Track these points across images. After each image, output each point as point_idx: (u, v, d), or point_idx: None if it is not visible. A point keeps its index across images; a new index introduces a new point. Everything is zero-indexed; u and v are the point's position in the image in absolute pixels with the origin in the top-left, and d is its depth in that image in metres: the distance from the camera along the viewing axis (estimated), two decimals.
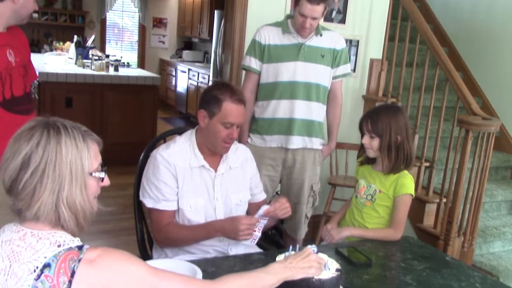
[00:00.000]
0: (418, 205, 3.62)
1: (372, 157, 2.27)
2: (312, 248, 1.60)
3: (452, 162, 3.37)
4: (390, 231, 2.19)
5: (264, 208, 1.96)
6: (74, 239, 1.21)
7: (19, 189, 1.17)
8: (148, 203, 2.04)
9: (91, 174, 1.25)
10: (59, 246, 1.17)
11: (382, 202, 2.24)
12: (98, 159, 1.28)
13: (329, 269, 1.59)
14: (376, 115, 2.20)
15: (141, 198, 2.08)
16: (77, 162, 1.21)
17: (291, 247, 1.69)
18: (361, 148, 2.34)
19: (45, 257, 1.14)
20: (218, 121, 1.99)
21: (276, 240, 3.61)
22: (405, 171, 2.23)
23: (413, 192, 2.22)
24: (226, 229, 1.93)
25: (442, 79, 3.92)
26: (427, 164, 3.73)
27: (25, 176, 1.17)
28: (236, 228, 1.88)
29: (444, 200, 3.47)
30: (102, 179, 1.30)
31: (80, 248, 1.18)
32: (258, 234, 1.98)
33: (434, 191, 3.71)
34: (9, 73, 2.21)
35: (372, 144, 2.21)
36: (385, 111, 2.23)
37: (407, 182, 2.20)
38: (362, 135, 2.26)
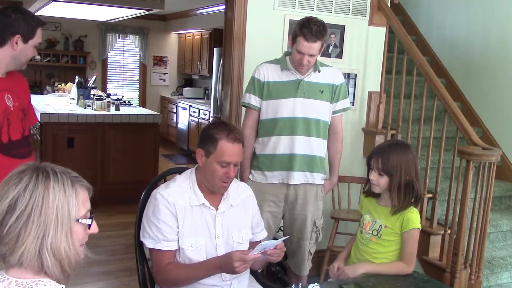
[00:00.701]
0: (422, 237, 3.57)
1: (378, 192, 2.26)
2: (314, 286, 1.58)
3: (455, 193, 3.35)
4: (403, 265, 2.18)
5: (264, 243, 1.92)
6: (59, 286, 1.19)
7: (4, 233, 1.16)
8: (148, 243, 2.02)
9: (77, 220, 1.23)
10: None
11: (388, 237, 2.22)
12: (86, 205, 1.26)
13: None
14: (387, 154, 2.18)
15: (141, 238, 2.06)
16: (63, 208, 1.19)
17: (293, 286, 1.67)
18: (367, 182, 2.33)
19: None
20: (214, 160, 1.99)
21: (280, 276, 3.56)
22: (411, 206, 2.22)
23: (420, 226, 2.21)
24: (224, 266, 1.91)
25: (441, 110, 3.93)
26: (430, 195, 3.71)
27: (11, 220, 1.15)
28: (231, 265, 1.86)
29: (449, 231, 3.43)
30: (89, 226, 1.27)
31: None
32: (261, 256, 1.94)
33: (438, 223, 3.67)
34: (7, 117, 2.23)
35: (380, 181, 2.19)
36: (396, 150, 2.20)
37: (413, 217, 2.19)
38: (369, 169, 2.24)
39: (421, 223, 3.56)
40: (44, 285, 1.17)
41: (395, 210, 2.19)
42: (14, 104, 2.28)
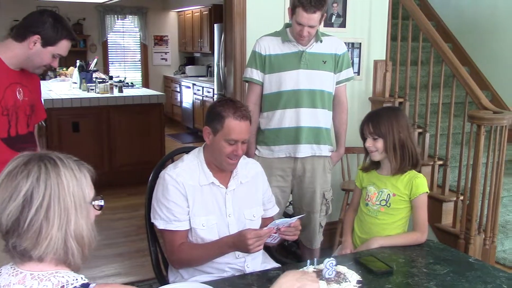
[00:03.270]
0: (434, 204, 3.56)
1: (378, 160, 2.23)
2: (330, 261, 1.56)
3: (466, 159, 3.31)
4: (417, 234, 2.16)
5: (278, 221, 1.89)
6: (78, 277, 1.16)
7: (24, 228, 1.11)
8: (160, 224, 2.00)
9: (91, 203, 1.22)
10: (62, 287, 1.12)
11: (397, 205, 2.20)
12: (93, 187, 1.25)
13: (349, 281, 1.54)
14: (376, 117, 2.20)
15: (152, 220, 2.04)
16: (79, 193, 1.17)
17: (308, 261, 1.64)
18: (367, 155, 2.32)
19: None
20: (221, 138, 1.95)
21: (293, 250, 3.57)
22: (413, 171, 2.21)
23: (428, 189, 2.20)
24: (237, 244, 1.88)
25: (448, 75, 3.88)
26: (441, 162, 3.67)
27: (30, 214, 1.11)
28: (245, 243, 1.82)
29: (461, 197, 3.41)
30: (101, 207, 1.26)
31: (85, 286, 1.13)
32: (276, 235, 1.91)
33: (450, 189, 3.64)
34: (16, 111, 2.20)
35: (377, 146, 2.18)
36: (385, 112, 2.23)
37: (421, 182, 2.18)
38: (364, 139, 2.24)
39: (432, 190, 3.57)
40: (63, 276, 1.14)
41: (395, 172, 2.19)
42: (24, 98, 2.25)
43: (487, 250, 3.28)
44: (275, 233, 1.88)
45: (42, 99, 4.93)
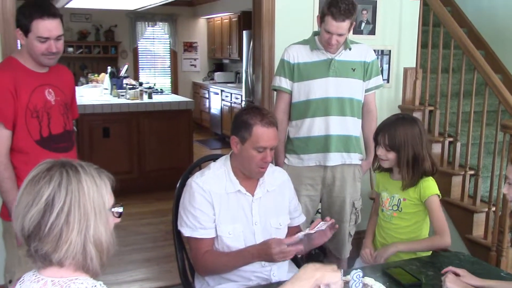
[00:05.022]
0: (465, 215, 3.48)
1: (386, 167, 2.27)
2: (357, 272, 1.54)
3: (499, 169, 3.23)
4: (437, 237, 2.16)
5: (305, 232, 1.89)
6: (97, 283, 1.18)
7: (45, 232, 1.14)
8: (186, 232, 2.01)
9: (110, 210, 1.24)
10: None
11: (409, 210, 2.23)
12: (112, 195, 1.27)
13: None
14: (393, 130, 2.18)
15: (179, 227, 2.06)
16: (98, 199, 1.20)
17: None
18: (375, 158, 2.33)
19: None
20: (250, 146, 1.95)
21: (320, 260, 3.53)
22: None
23: (438, 192, 2.19)
24: (262, 254, 1.89)
25: (480, 83, 3.79)
26: (472, 172, 3.59)
27: (51, 218, 1.14)
28: (269, 253, 1.83)
29: (493, 208, 3.33)
30: (120, 214, 1.28)
31: None
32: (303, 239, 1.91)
33: (482, 200, 3.56)
34: (47, 112, 2.23)
35: (388, 156, 2.21)
36: (403, 125, 2.19)
37: (428, 184, 2.19)
38: (376, 145, 2.25)
39: (463, 201, 3.50)
40: (82, 283, 1.16)
41: (405, 185, 2.20)
42: (56, 98, 2.28)
43: None
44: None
45: None
